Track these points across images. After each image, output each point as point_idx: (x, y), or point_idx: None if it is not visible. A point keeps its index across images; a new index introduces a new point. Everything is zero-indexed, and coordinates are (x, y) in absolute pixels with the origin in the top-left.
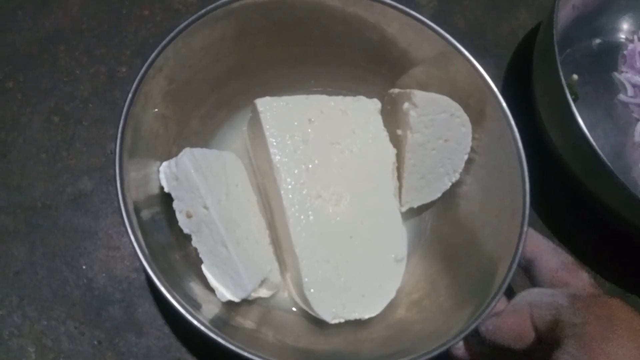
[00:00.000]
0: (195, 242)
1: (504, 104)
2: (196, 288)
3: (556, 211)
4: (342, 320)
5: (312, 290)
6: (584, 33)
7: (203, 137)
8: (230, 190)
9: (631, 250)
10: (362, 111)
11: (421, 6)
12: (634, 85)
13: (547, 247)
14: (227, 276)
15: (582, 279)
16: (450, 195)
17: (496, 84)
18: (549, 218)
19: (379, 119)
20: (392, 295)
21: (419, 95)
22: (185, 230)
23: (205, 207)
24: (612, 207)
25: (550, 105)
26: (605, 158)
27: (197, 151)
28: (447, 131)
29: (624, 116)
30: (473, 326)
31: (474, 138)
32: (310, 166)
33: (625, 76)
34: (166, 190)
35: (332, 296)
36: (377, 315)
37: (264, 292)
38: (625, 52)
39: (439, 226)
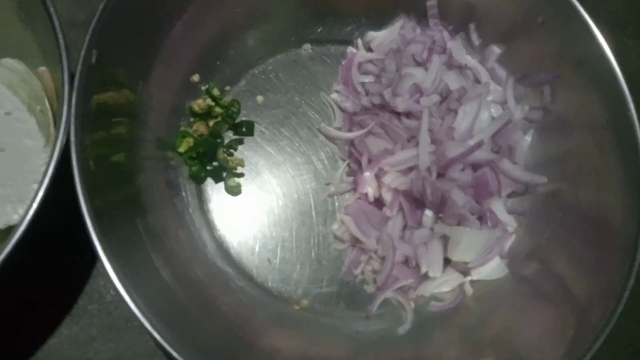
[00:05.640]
0: None
1: None
2: None
3: None
4: None
5: None
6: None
7: None
8: None
9: None
10: None
11: None
12: (343, 111)
13: None
14: None
15: None
16: None
17: None
18: None
19: None
20: None
21: None
22: None
23: None
24: None
25: None
26: None
27: None
28: (2, 136)
29: (327, 154)
30: None
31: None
32: None
33: (335, 98)
34: None
35: None
36: None
37: None
38: (343, 62)
39: None
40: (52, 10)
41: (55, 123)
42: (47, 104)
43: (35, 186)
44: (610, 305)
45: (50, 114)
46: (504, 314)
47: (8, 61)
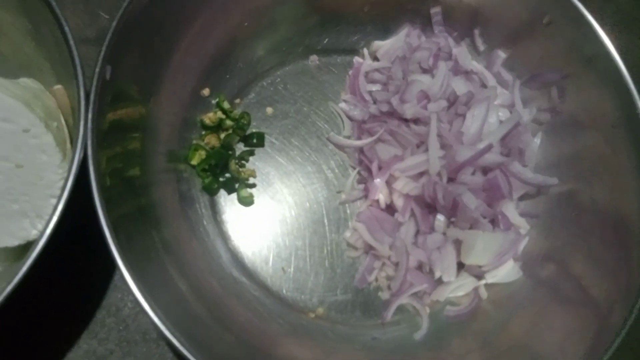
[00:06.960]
0: None
1: None
2: None
3: None
4: None
5: None
6: (295, 48)
7: None
8: None
9: None
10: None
11: None
12: (352, 120)
13: None
14: None
15: None
16: None
17: None
18: None
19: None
20: None
21: None
22: None
23: None
24: None
25: None
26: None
27: None
28: (16, 152)
29: (337, 162)
30: None
31: None
32: None
33: (344, 107)
34: None
35: None
36: None
37: None
38: (350, 72)
39: None
40: (66, 29)
41: (71, 139)
42: (62, 120)
43: (53, 201)
44: (630, 304)
45: (65, 130)
46: (523, 318)
47: (24, 80)
